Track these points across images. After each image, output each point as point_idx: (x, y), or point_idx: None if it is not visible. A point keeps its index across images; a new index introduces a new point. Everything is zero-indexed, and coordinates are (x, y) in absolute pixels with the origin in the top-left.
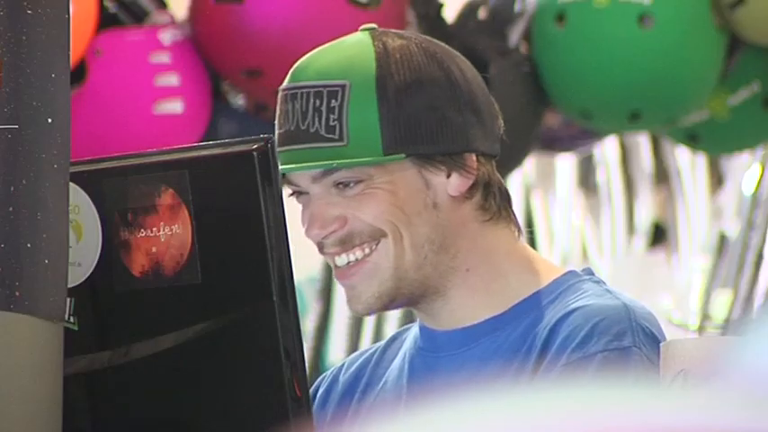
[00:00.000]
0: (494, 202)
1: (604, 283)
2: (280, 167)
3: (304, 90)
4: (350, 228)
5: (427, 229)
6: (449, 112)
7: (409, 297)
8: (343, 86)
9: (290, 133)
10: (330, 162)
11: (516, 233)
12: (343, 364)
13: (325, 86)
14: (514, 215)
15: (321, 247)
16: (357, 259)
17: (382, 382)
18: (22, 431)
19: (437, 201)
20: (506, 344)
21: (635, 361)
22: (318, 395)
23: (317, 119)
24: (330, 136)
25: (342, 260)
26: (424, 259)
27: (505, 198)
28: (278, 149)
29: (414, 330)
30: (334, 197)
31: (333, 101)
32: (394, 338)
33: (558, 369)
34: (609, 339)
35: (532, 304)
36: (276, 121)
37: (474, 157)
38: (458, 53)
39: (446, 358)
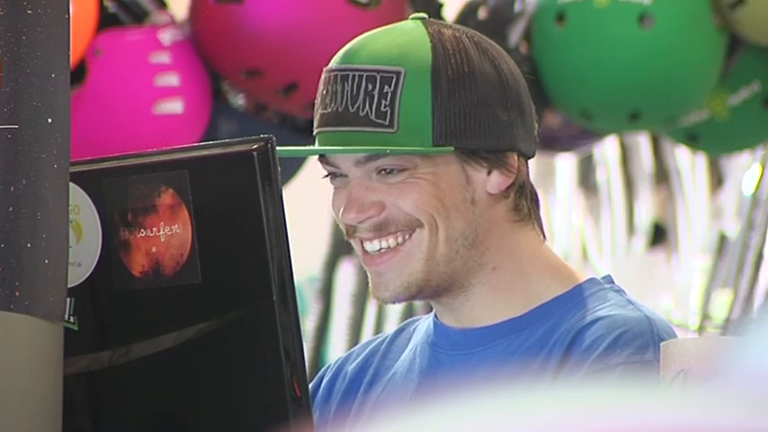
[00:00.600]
0: (525, 203)
1: (625, 292)
2: (322, 147)
3: (356, 72)
4: (387, 215)
5: (462, 224)
6: (497, 109)
7: (435, 290)
8: (398, 73)
9: (337, 114)
10: (383, 147)
11: (541, 236)
12: (350, 354)
13: (378, 71)
14: (540, 219)
15: (352, 231)
16: (389, 247)
17: (390, 374)
18: (22, 431)
19: (475, 197)
20: (523, 347)
21: (656, 375)
22: (323, 385)
23: (367, 103)
24: (380, 121)
25: (373, 246)
26: (455, 253)
27: (535, 200)
28: (320, 129)
29: (425, 324)
30: (375, 183)
31: (386, 86)
32: (402, 329)
33: (577, 378)
34: (631, 352)
35: (552, 309)
36: (319, 101)
37: (516, 157)
38: (504, 51)
39: (460, 357)
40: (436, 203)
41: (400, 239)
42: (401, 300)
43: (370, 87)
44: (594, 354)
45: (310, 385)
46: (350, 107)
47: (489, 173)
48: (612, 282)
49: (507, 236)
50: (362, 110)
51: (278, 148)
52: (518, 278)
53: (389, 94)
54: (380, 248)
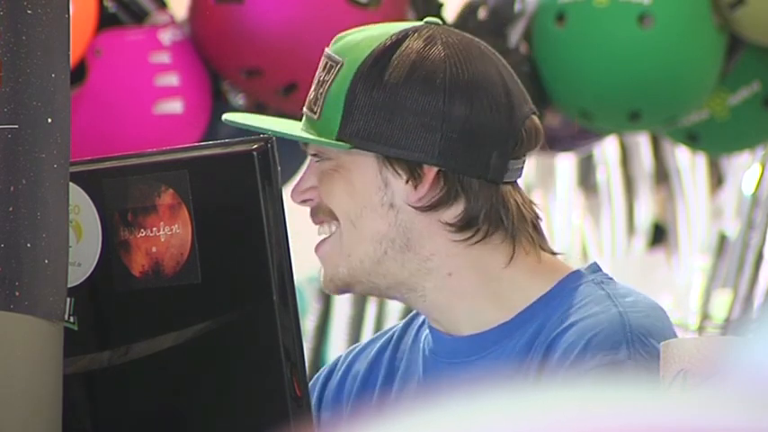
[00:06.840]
0: (479, 225)
1: (609, 280)
2: (244, 122)
3: (324, 58)
4: (318, 202)
5: (383, 225)
6: (421, 120)
7: (372, 287)
8: (338, 63)
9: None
10: (296, 134)
11: (510, 254)
12: (356, 354)
13: (330, 59)
14: (530, 234)
15: None
16: (324, 237)
17: (398, 378)
18: (22, 431)
19: (394, 202)
20: (513, 352)
21: (630, 373)
22: (331, 386)
23: (314, 89)
24: (314, 107)
25: (318, 233)
26: (383, 254)
27: (503, 219)
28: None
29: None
30: (314, 167)
31: (327, 75)
32: (408, 324)
33: (554, 386)
34: (603, 354)
35: (537, 310)
36: None
37: (434, 171)
38: (504, 79)
39: (458, 366)
40: (348, 201)
41: (326, 230)
42: (334, 293)
43: (322, 74)
44: (567, 362)
45: (311, 384)
46: (311, 91)
47: (407, 182)
48: (598, 269)
49: (456, 249)
50: (312, 95)
51: (225, 116)
52: (488, 281)
53: (326, 83)
54: (322, 236)
